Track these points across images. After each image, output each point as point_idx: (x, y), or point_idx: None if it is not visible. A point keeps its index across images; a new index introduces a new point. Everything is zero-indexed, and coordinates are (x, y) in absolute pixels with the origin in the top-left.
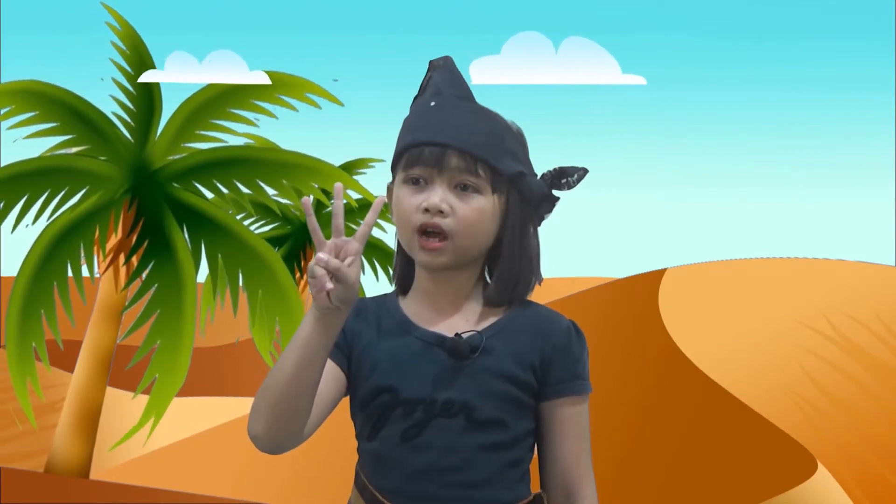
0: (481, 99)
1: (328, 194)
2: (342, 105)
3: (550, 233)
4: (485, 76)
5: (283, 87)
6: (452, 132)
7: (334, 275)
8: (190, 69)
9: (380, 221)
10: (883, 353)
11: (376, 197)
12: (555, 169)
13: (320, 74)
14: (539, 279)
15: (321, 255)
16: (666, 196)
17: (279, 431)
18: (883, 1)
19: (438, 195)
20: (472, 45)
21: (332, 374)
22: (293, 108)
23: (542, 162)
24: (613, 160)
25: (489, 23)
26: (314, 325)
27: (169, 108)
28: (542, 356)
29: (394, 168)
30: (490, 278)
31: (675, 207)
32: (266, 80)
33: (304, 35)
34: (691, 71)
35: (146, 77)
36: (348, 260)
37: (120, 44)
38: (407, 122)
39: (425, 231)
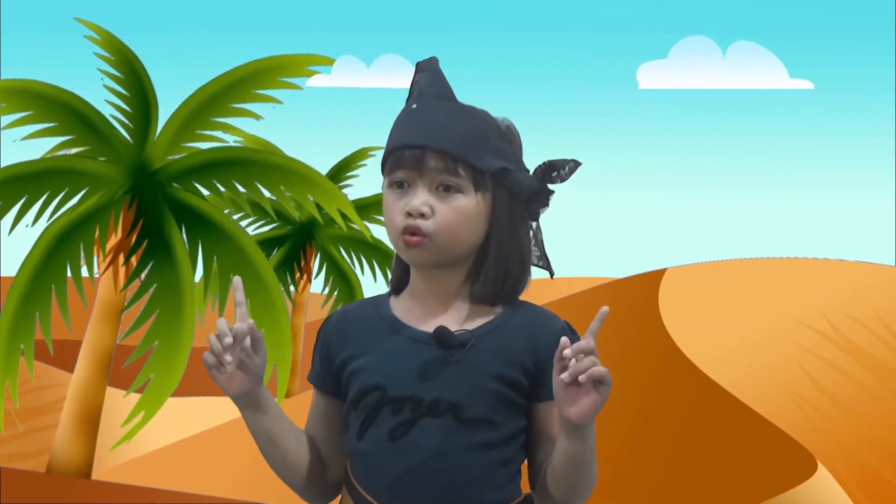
0: (647, 103)
1: (320, 208)
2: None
3: (550, 233)
4: (652, 80)
5: (283, 69)
6: (431, 133)
7: (253, 344)
8: (358, 73)
9: (381, 219)
10: (883, 353)
11: (360, 219)
12: (545, 163)
13: (484, 74)
14: (551, 273)
15: (235, 327)
16: (666, 196)
17: (305, 491)
18: (883, 1)
19: (419, 198)
20: (640, 49)
21: (326, 410)
22: (298, 87)
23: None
24: (615, 160)
25: (657, 27)
26: (246, 413)
27: (170, 107)
28: (535, 358)
29: (383, 171)
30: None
31: (675, 207)
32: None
33: (471, 34)
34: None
35: (314, 81)
36: (255, 335)
37: (103, 52)
38: (393, 125)
39: (409, 232)
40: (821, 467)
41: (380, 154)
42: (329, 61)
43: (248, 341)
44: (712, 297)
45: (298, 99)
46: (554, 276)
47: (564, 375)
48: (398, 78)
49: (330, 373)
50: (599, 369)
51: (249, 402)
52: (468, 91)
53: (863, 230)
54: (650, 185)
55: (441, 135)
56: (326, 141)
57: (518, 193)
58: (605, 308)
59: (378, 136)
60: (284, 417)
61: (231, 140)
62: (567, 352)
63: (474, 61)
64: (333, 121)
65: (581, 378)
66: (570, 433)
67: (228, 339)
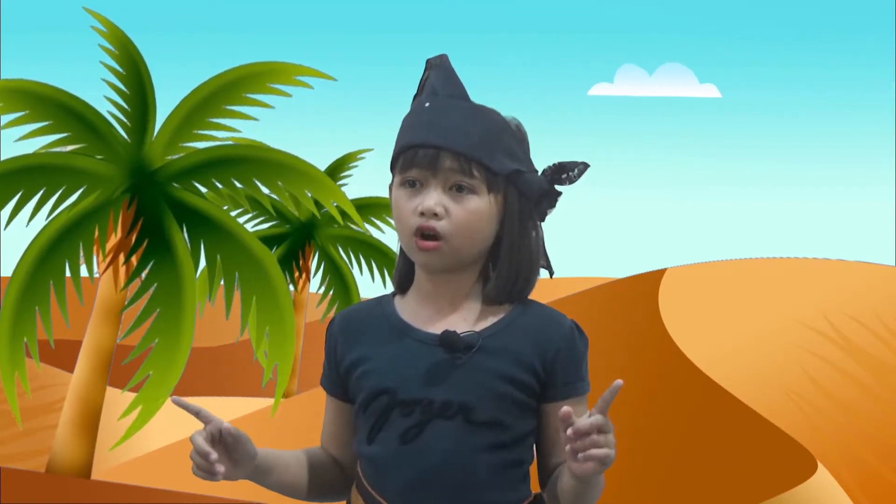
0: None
1: (319, 205)
2: (334, 80)
3: (551, 232)
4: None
5: (272, 76)
6: (446, 133)
7: (232, 451)
8: (640, 82)
9: (378, 222)
10: (883, 353)
11: (356, 213)
12: (555, 164)
13: (750, 78)
14: (550, 272)
15: (208, 432)
16: (666, 196)
17: (316, 498)
18: (883, 1)
19: (433, 198)
20: None
21: (338, 413)
22: (287, 94)
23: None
24: (616, 160)
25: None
26: (255, 481)
27: (167, 107)
28: (544, 358)
29: (392, 169)
30: (491, 277)
31: (675, 207)
32: (717, 94)
33: (748, 39)
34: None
35: (596, 90)
36: (227, 429)
37: (108, 45)
38: (403, 123)
39: (422, 233)
40: (821, 467)
41: (369, 156)
42: (323, 75)
43: (224, 435)
44: (712, 297)
45: (580, 109)
46: (553, 276)
47: (567, 447)
48: (681, 87)
49: (338, 376)
50: (599, 453)
51: (254, 476)
52: (750, 90)
53: (863, 230)
54: (650, 185)
55: (456, 135)
56: (610, 148)
57: (528, 194)
58: (619, 382)
59: (656, 143)
60: (287, 460)
61: (230, 140)
62: (569, 432)
63: (750, 64)
64: (615, 130)
65: (579, 457)
66: (575, 478)
67: (214, 456)
